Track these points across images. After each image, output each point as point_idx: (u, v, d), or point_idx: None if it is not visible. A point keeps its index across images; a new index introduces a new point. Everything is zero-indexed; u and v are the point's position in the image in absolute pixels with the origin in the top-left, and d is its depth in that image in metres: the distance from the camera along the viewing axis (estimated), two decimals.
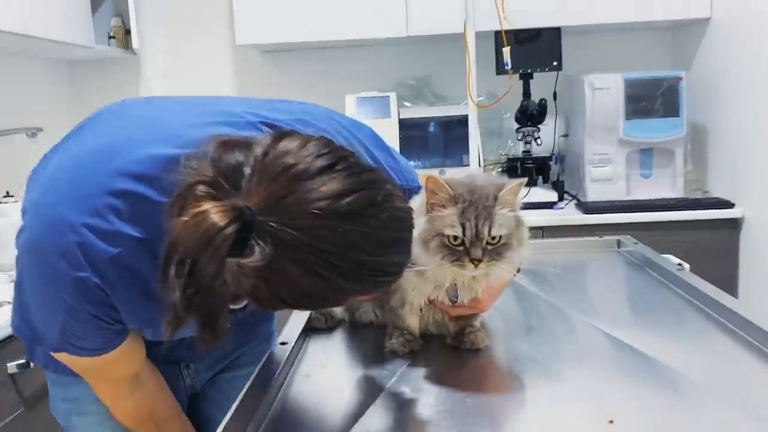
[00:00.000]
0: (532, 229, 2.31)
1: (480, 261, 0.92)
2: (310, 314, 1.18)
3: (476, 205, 0.92)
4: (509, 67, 1.93)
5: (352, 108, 2.69)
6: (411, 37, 2.64)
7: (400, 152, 2.56)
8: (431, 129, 2.75)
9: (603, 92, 2.50)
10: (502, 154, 2.84)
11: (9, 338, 1.50)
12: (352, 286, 0.73)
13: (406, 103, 2.92)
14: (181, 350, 1.18)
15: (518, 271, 1.12)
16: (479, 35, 2.46)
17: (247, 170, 0.71)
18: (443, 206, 0.94)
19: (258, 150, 0.72)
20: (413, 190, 1.06)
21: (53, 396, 1.14)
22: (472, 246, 0.92)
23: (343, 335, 1.16)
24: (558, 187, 2.71)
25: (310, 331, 1.17)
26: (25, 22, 2.15)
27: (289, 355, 1.03)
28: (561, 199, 2.68)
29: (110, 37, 2.91)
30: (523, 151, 2.73)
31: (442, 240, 0.93)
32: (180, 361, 1.21)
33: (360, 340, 1.14)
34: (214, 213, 0.67)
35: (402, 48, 3.02)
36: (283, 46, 2.90)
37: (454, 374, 0.99)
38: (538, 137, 2.65)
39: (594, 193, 2.56)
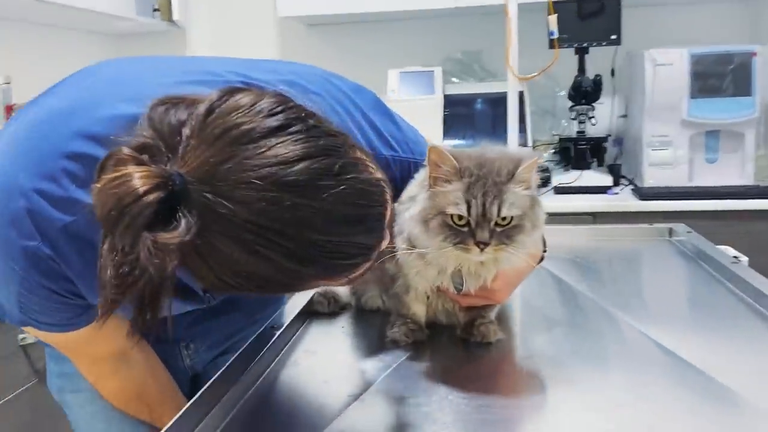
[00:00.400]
0: (582, 214, 2.23)
1: (486, 244, 0.80)
2: (312, 296, 1.09)
3: (485, 181, 0.80)
4: (555, 36, 1.77)
5: (394, 83, 2.57)
6: (459, 8, 2.51)
7: (444, 130, 2.48)
8: (478, 106, 2.61)
9: (666, 68, 2.30)
10: (554, 134, 2.67)
11: None
12: (306, 269, 0.62)
13: (454, 79, 2.78)
14: (179, 329, 1.12)
15: (542, 259, 1.00)
16: (533, 6, 2.31)
17: (186, 131, 0.60)
18: (447, 181, 0.82)
19: (201, 108, 0.62)
20: (419, 164, 0.94)
21: (49, 371, 1.09)
22: (478, 227, 0.80)
23: (345, 321, 1.07)
24: (614, 171, 2.53)
25: (311, 314, 1.08)
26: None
27: (278, 339, 0.94)
28: (617, 183, 2.50)
29: (155, 10, 2.89)
30: (578, 132, 2.55)
31: (444, 219, 0.81)
32: (179, 341, 1.14)
33: (363, 327, 1.04)
34: (136, 178, 0.57)
35: (450, 21, 2.87)
36: (326, 19, 2.81)
37: (455, 371, 0.88)
38: (593, 116, 2.47)
39: (652, 178, 2.37)
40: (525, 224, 0.82)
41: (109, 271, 0.59)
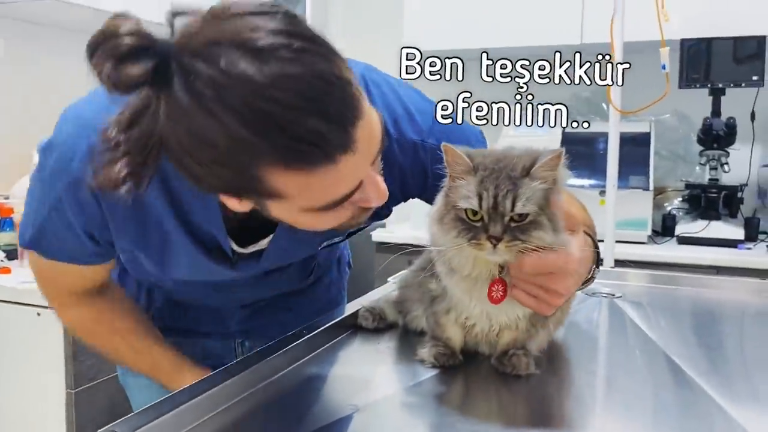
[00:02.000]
0: (705, 267, 2.05)
1: (499, 239, 0.75)
2: (359, 311, 1.08)
3: (498, 174, 0.76)
4: (666, 70, 1.66)
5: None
6: (585, 44, 2.43)
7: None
8: (600, 145, 2.49)
9: None
10: (681, 180, 2.49)
11: None
12: (258, 142, 0.64)
13: (578, 117, 2.68)
14: (232, 323, 1.16)
15: (594, 273, 0.92)
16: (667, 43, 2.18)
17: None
18: (462, 178, 0.79)
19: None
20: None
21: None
22: (491, 221, 0.76)
23: (387, 338, 1.04)
24: (751, 224, 2.30)
25: (356, 328, 1.07)
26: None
27: (299, 344, 0.94)
28: (753, 238, 2.27)
29: None
30: (710, 179, 2.36)
31: (457, 214, 0.78)
32: (234, 337, 1.18)
33: (400, 346, 1.01)
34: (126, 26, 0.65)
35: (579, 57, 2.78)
36: (454, 53, 2.83)
37: (468, 402, 0.83)
38: (726, 163, 2.27)
39: None
40: (543, 221, 0.77)
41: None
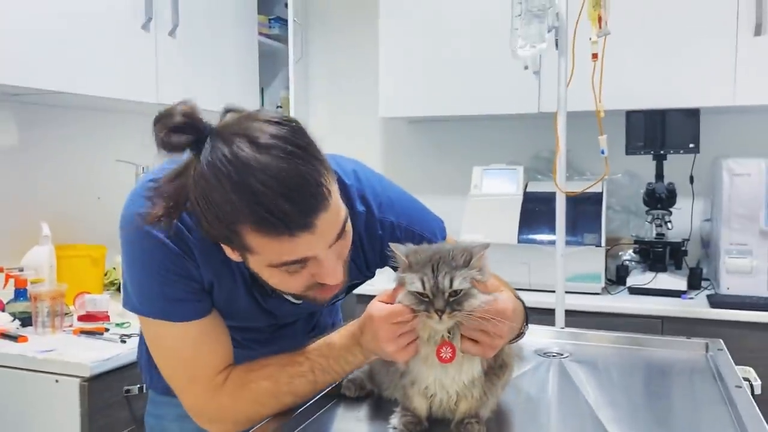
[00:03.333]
0: (652, 317, 2.28)
1: (443, 311, 0.98)
2: (342, 382, 1.27)
3: (436, 262, 0.99)
4: (605, 154, 1.91)
5: (478, 179, 2.77)
6: (542, 113, 2.69)
7: (521, 225, 2.63)
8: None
9: (743, 178, 2.34)
10: (632, 236, 2.74)
11: (131, 364, 1.79)
12: (242, 206, 0.89)
13: (539, 176, 2.93)
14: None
15: (521, 334, 1.17)
16: (615, 111, 2.45)
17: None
18: (405, 271, 1.02)
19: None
20: (426, 239, 1.20)
21: (147, 411, 1.38)
22: (435, 298, 0.98)
23: (365, 406, 1.24)
24: (695, 274, 2.55)
25: (340, 396, 1.27)
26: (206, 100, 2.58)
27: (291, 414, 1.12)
28: (696, 287, 2.52)
29: (278, 107, 3.32)
30: (657, 234, 2.61)
31: (412, 294, 1.01)
32: None
33: (377, 414, 1.20)
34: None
35: (539, 121, 3.05)
36: (424, 118, 3.08)
37: None
38: (669, 221, 2.53)
39: (729, 285, 2.37)
40: (473, 292, 0.99)
41: None
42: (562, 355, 1.56)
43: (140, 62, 2.34)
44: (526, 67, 1.83)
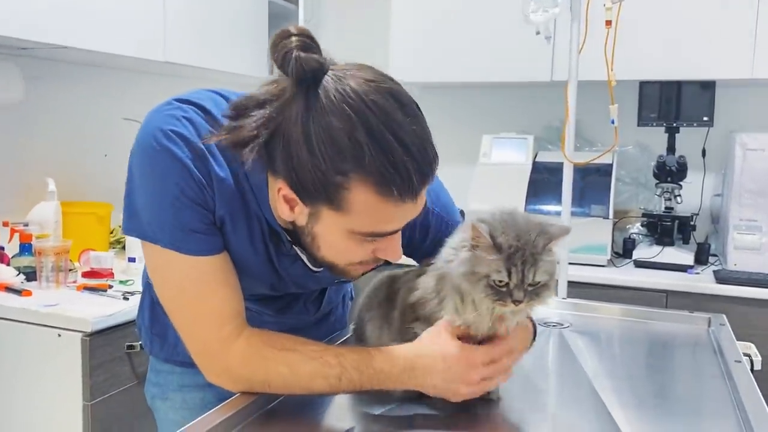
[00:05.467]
0: (656, 291, 2.27)
1: (521, 302, 0.96)
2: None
3: (523, 251, 0.95)
4: (615, 124, 1.87)
5: (487, 147, 2.74)
6: (555, 81, 2.64)
7: (529, 195, 2.61)
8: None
9: (756, 153, 2.30)
10: (640, 208, 2.71)
11: (133, 321, 1.80)
12: (370, 154, 0.84)
13: (550, 147, 2.90)
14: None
15: (534, 339, 1.15)
16: (627, 84, 2.41)
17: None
18: (487, 252, 0.97)
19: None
20: (450, 224, 1.15)
21: (147, 379, 1.30)
22: (516, 288, 0.96)
23: None
24: (703, 249, 2.53)
25: None
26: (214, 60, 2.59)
27: None
28: (704, 262, 2.50)
29: None
30: (666, 208, 2.58)
31: (488, 281, 0.97)
32: None
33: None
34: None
35: (551, 91, 3.00)
36: (437, 84, 3.04)
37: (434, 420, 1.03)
38: (679, 195, 2.50)
39: (737, 261, 2.35)
40: (550, 284, 0.99)
41: None
42: (562, 325, 1.56)
43: (148, 19, 2.31)
44: (538, 33, 1.78)
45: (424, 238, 1.15)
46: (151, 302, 1.23)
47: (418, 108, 0.91)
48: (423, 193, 0.92)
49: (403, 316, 1.08)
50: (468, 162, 2.84)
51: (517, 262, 0.95)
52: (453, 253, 1.01)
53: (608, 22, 1.75)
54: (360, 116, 0.84)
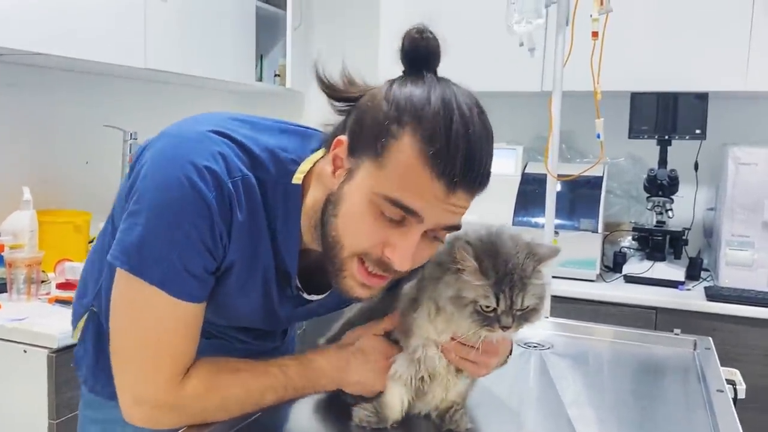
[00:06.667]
0: (646, 308, 2.22)
1: (510, 328, 0.92)
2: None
3: (511, 276, 0.90)
4: (600, 138, 1.82)
5: None
6: (545, 91, 2.59)
7: (517, 208, 2.55)
8: (557, 187, 2.64)
9: (749, 168, 2.25)
10: (630, 222, 2.66)
11: None
12: (434, 118, 0.85)
13: (539, 158, 2.85)
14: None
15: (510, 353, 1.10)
16: (620, 94, 2.37)
17: None
18: (474, 276, 0.92)
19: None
20: None
21: (83, 415, 1.17)
22: (503, 314, 0.91)
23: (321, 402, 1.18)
24: (695, 264, 2.48)
25: None
26: (199, 67, 2.53)
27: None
28: (695, 278, 2.45)
29: (275, 75, 3.23)
30: (657, 222, 2.52)
31: (475, 307, 0.92)
32: None
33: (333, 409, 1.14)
34: None
35: (543, 100, 2.95)
36: None
37: None
38: (670, 209, 2.44)
39: (728, 278, 2.30)
40: (539, 307, 0.94)
41: None
42: (543, 346, 1.51)
43: (129, 25, 2.26)
44: (521, 44, 1.73)
45: None
46: (96, 333, 1.11)
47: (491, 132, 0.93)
48: (460, 195, 0.86)
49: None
50: None
51: (505, 288, 0.90)
52: (437, 270, 0.95)
53: (595, 33, 1.70)
54: (442, 90, 0.88)
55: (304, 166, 0.96)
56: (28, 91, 2.36)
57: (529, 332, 1.57)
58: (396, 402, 1.02)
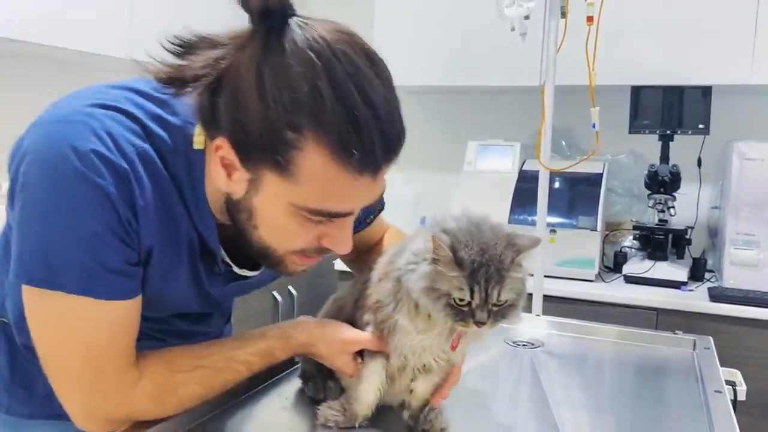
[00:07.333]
0: (646, 309, 2.13)
1: (484, 324, 0.84)
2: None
3: (487, 268, 0.83)
4: (596, 128, 1.74)
5: (472, 155, 2.61)
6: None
7: (513, 204, 2.48)
8: (555, 184, 2.57)
9: (755, 163, 2.16)
10: (631, 221, 2.57)
11: None
12: (331, 110, 0.73)
13: None
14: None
15: None
16: (621, 88, 2.29)
17: None
18: (449, 267, 0.85)
19: None
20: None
21: None
22: (478, 308, 0.84)
23: (292, 394, 1.11)
24: (698, 265, 2.39)
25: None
26: None
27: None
28: (699, 279, 2.36)
29: None
30: (659, 220, 2.44)
31: (448, 300, 0.85)
32: None
33: (305, 403, 1.08)
34: None
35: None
36: (424, 88, 2.92)
37: None
38: (672, 206, 2.35)
39: (733, 278, 2.21)
40: (517, 303, 0.87)
41: None
42: (533, 345, 1.43)
43: (109, 13, 2.20)
44: (512, 29, 1.66)
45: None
46: (8, 348, 1.00)
47: (391, 77, 0.80)
48: (383, 174, 0.79)
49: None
50: (452, 170, 2.72)
51: (480, 280, 0.82)
52: (414, 260, 0.88)
53: (590, 18, 1.63)
54: (325, 63, 0.73)
55: (199, 129, 0.84)
56: (4, 81, 2.30)
57: (520, 329, 1.51)
58: (369, 397, 0.95)
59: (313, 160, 0.74)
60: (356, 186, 0.77)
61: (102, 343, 0.83)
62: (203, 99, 0.79)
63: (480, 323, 0.83)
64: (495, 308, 0.84)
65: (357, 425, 0.96)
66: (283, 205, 0.79)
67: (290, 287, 2.60)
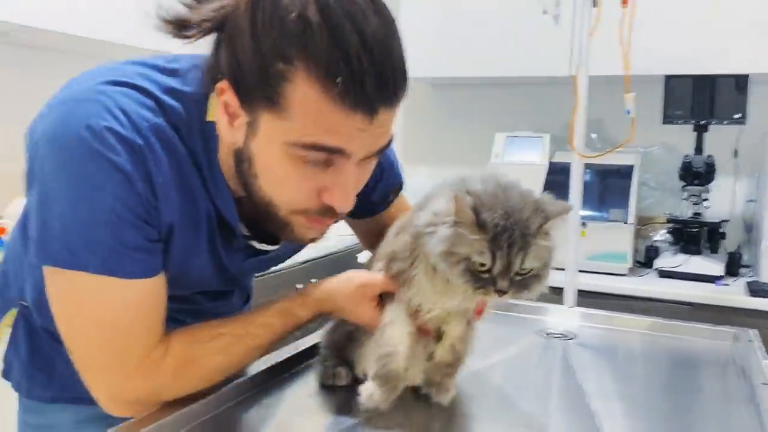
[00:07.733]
0: (681, 303, 2.07)
1: (506, 293, 0.81)
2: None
3: (512, 232, 0.79)
4: (630, 114, 1.69)
5: (499, 147, 2.57)
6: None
7: None
8: (587, 177, 2.51)
9: None
10: (664, 214, 2.50)
11: None
12: (322, 41, 0.72)
13: (568, 146, 2.70)
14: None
15: None
16: (654, 78, 2.22)
17: None
18: (470, 230, 0.81)
19: None
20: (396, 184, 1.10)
21: (23, 421, 1.06)
22: (499, 276, 0.80)
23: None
24: (733, 259, 2.32)
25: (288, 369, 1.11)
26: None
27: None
28: (734, 274, 2.28)
29: None
30: (693, 213, 2.37)
31: (468, 265, 0.81)
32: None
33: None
34: None
35: (572, 87, 2.81)
36: (449, 80, 2.89)
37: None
38: (707, 199, 2.29)
39: None
40: (542, 273, 0.82)
41: None
42: (567, 336, 1.39)
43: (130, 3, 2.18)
44: (545, 12, 1.62)
45: (375, 186, 1.05)
46: (28, 331, 1.01)
47: (392, 18, 0.78)
48: (382, 116, 0.76)
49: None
50: (479, 162, 2.67)
51: (503, 245, 0.78)
52: (434, 221, 0.84)
53: (625, 1, 1.57)
54: (316, 2, 0.72)
55: (214, 100, 0.83)
56: (28, 78, 2.30)
57: (551, 321, 1.47)
58: (399, 346, 0.91)
59: (304, 91, 0.73)
60: (350, 123, 0.74)
61: (125, 323, 0.82)
62: (210, 48, 0.80)
63: (501, 292, 0.79)
64: (518, 277, 0.80)
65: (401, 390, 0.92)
66: (278, 146, 0.77)
67: (313, 280, 2.57)
